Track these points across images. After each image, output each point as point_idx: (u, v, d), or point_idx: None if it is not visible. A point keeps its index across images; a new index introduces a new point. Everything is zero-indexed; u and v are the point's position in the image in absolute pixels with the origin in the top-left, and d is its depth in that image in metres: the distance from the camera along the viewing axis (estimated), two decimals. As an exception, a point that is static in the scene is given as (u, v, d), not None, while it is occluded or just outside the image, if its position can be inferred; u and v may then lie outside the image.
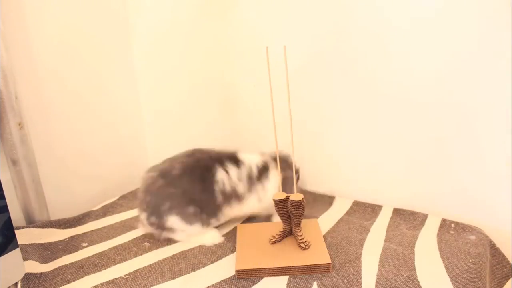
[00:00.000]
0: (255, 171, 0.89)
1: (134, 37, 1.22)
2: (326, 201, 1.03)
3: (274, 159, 0.88)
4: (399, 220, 0.92)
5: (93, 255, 0.82)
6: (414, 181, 0.96)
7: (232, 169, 0.87)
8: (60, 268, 0.78)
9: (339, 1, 0.92)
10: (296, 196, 0.76)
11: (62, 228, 0.92)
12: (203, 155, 0.88)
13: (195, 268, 0.77)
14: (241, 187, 0.87)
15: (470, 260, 0.75)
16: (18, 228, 0.87)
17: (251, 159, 0.90)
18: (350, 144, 1.00)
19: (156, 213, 0.83)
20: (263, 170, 0.90)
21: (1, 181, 0.66)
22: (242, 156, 0.90)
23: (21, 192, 0.93)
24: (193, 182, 0.84)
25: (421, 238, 0.84)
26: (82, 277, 0.75)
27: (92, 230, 0.92)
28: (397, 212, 0.95)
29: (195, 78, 1.18)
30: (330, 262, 0.74)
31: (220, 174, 0.85)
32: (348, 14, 0.92)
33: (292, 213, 0.78)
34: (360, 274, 0.73)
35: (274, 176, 0.89)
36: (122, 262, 0.79)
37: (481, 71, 0.82)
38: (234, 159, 0.88)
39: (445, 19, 0.82)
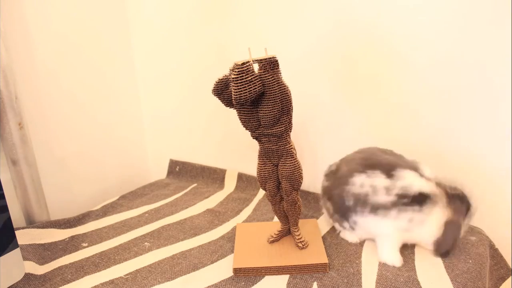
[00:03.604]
0: (411, 193, 0.76)
1: (134, 37, 1.22)
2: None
3: (448, 194, 0.76)
4: (399, 220, 0.92)
5: (93, 255, 0.82)
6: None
7: (378, 177, 0.79)
8: (60, 268, 0.78)
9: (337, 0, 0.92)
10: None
11: (62, 228, 0.92)
12: (366, 157, 0.83)
13: (195, 268, 0.77)
14: (382, 198, 0.78)
15: (470, 261, 0.75)
16: (18, 228, 0.87)
17: (414, 180, 0.77)
18: (349, 144, 1.00)
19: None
20: (423, 199, 0.76)
21: (1, 181, 0.66)
22: (404, 172, 0.78)
23: (21, 192, 0.93)
24: (334, 180, 0.85)
25: (421, 238, 0.84)
26: (82, 277, 0.75)
27: (92, 230, 0.92)
28: (397, 212, 0.95)
29: (195, 79, 1.19)
30: (327, 262, 0.74)
31: (359, 178, 0.80)
32: (346, 10, 0.92)
33: (288, 212, 0.78)
34: (360, 274, 0.73)
35: (438, 214, 0.76)
36: (122, 262, 0.79)
37: (481, 72, 0.82)
38: (388, 171, 0.79)
39: (445, 7, 0.82)
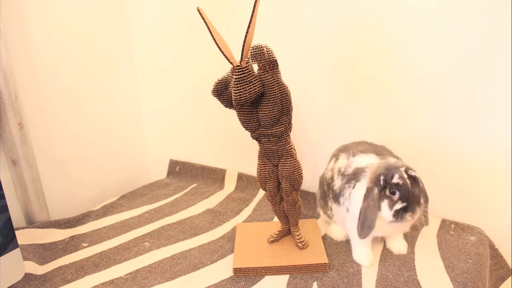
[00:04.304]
0: (349, 171, 0.74)
1: (134, 38, 1.22)
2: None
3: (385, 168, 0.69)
4: (399, 220, 0.92)
5: (93, 255, 0.82)
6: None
7: (340, 160, 0.78)
8: (60, 268, 0.78)
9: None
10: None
11: (62, 228, 0.92)
12: (351, 146, 0.81)
13: (195, 268, 0.77)
14: (337, 184, 0.76)
15: (470, 261, 0.75)
16: (18, 228, 0.87)
17: (358, 160, 0.74)
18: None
19: None
20: (354, 175, 0.73)
21: (1, 181, 0.66)
22: (358, 153, 0.76)
23: (21, 192, 0.93)
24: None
25: (421, 238, 0.84)
26: (82, 277, 0.75)
27: (92, 230, 0.92)
28: (397, 212, 0.95)
29: (195, 80, 1.18)
30: (327, 262, 0.74)
31: (331, 163, 0.81)
32: (345, 12, 0.92)
33: (288, 213, 0.78)
34: (360, 274, 0.73)
35: (362, 187, 0.70)
36: (122, 262, 0.79)
37: (481, 74, 0.82)
38: (353, 154, 0.77)
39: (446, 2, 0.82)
